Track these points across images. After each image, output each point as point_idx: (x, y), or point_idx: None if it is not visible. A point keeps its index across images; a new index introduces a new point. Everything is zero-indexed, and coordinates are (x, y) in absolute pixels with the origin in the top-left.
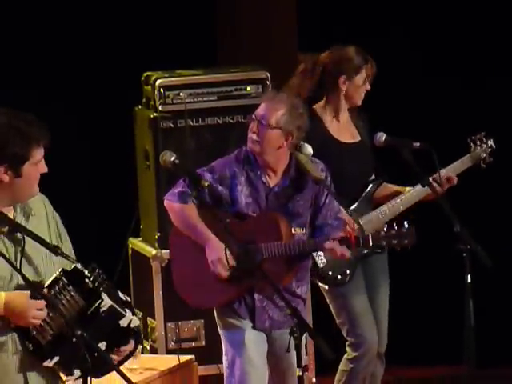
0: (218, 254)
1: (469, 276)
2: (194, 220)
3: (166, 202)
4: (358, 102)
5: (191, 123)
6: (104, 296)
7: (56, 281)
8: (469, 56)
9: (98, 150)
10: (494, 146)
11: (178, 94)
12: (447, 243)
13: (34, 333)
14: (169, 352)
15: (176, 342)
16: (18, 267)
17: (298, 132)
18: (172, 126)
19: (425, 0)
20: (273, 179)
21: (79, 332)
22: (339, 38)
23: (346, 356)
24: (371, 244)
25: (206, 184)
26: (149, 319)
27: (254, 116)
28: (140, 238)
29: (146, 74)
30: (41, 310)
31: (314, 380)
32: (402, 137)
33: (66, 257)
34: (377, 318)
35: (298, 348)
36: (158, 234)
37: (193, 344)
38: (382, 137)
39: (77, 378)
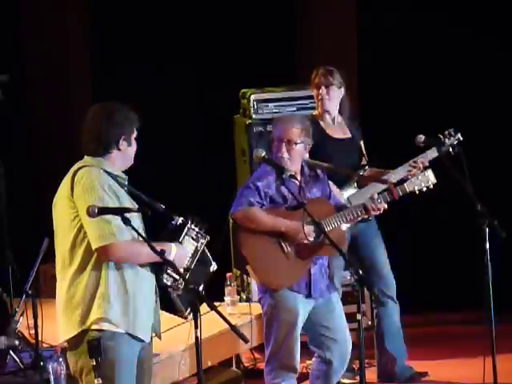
0: (300, 226)
1: (487, 244)
2: (266, 215)
3: (236, 214)
4: (322, 105)
5: None
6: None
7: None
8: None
9: (210, 147)
10: (461, 138)
11: (267, 106)
12: (471, 219)
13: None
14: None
15: None
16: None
17: (312, 140)
18: (262, 130)
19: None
20: (296, 179)
21: (192, 285)
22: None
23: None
24: (400, 194)
25: (289, 174)
26: (245, 276)
27: (278, 138)
28: None
29: (242, 91)
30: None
31: (369, 323)
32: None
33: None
34: (384, 272)
35: (358, 298)
36: None
37: None
38: (421, 138)
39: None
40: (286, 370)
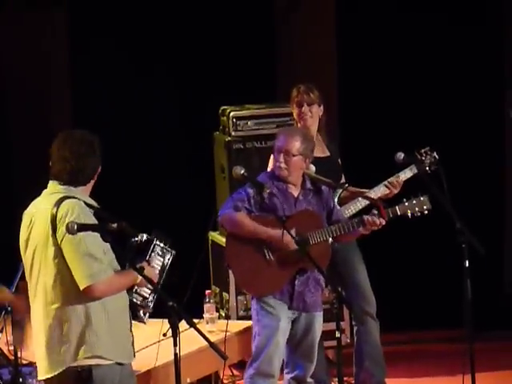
0: (280, 234)
1: (467, 261)
2: (249, 222)
3: (222, 217)
4: (304, 123)
5: (256, 145)
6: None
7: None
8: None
9: (189, 164)
10: (437, 157)
11: (247, 123)
12: (450, 236)
13: (136, 288)
14: (239, 318)
15: (244, 311)
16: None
17: (311, 153)
18: (242, 147)
19: None
20: (294, 190)
21: (171, 303)
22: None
23: None
24: (391, 216)
25: (268, 190)
26: (224, 293)
27: (278, 149)
28: (217, 232)
29: (222, 108)
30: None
31: (348, 340)
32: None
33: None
34: (364, 290)
35: (337, 316)
36: None
37: None
38: (401, 155)
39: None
40: (262, 376)
